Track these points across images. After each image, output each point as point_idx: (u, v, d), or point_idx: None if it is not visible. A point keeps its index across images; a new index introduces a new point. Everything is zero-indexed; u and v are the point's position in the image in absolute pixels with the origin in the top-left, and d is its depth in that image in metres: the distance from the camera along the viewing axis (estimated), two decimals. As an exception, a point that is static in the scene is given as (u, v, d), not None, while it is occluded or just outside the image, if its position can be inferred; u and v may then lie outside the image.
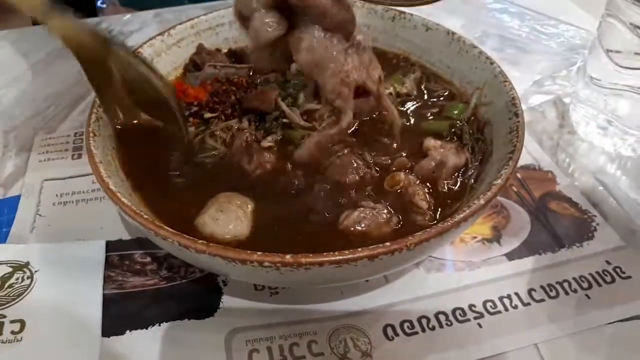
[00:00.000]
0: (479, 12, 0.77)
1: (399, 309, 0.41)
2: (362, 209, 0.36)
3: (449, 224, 0.31)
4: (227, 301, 0.41)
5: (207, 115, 0.44)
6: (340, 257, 0.30)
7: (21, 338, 0.35)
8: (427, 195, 0.38)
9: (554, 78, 0.65)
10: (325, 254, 0.30)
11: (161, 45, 0.50)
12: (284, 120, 0.42)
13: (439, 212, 0.38)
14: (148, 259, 0.44)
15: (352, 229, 0.36)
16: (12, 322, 0.36)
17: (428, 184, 0.39)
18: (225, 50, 0.52)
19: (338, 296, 0.41)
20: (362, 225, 0.35)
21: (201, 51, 0.51)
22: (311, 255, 0.30)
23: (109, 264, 0.42)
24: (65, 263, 0.41)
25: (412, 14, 0.53)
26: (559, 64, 0.67)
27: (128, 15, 0.78)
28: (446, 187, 0.39)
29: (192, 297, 0.41)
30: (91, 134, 0.39)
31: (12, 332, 0.36)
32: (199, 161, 0.42)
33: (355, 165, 0.38)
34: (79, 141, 0.57)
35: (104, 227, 0.47)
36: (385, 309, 0.41)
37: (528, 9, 0.78)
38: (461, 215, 0.32)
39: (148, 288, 0.41)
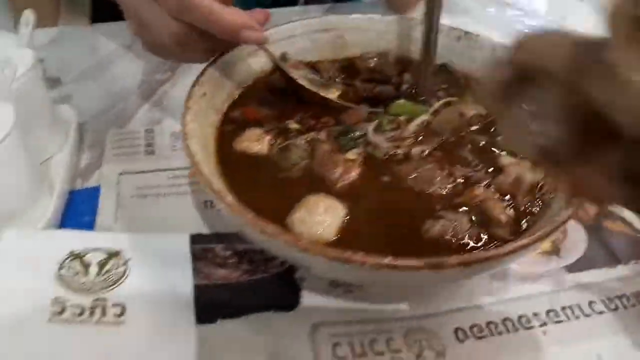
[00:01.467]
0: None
1: (467, 313, 0.43)
2: (444, 219, 0.38)
3: (536, 236, 0.34)
4: (306, 296, 0.43)
5: (294, 126, 0.46)
6: (438, 262, 0.32)
7: (124, 321, 0.38)
8: (506, 209, 0.40)
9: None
10: (421, 259, 0.32)
11: (242, 53, 0.52)
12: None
13: (518, 225, 0.40)
14: (229, 253, 0.46)
15: (436, 238, 0.38)
16: (113, 305, 0.39)
17: (506, 198, 0.41)
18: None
19: (409, 299, 0.44)
20: (445, 235, 0.38)
21: (284, 60, 0.54)
22: (410, 259, 0.32)
23: (194, 256, 0.45)
24: (155, 253, 0.43)
25: (478, 34, 0.55)
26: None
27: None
28: (524, 203, 0.41)
29: (274, 290, 0.43)
30: (188, 136, 0.41)
31: (115, 315, 0.38)
32: (284, 167, 0.44)
33: (438, 177, 0.41)
34: (149, 137, 0.59)
35: (183, 221, 0.49)
36: (454, 313, 0.43)
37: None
38: (546, 229, 0.34)
39: (234, 281, 0.44)
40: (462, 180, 0.42)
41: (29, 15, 0.53)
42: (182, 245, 0.45)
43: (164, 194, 0.52)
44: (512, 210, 0.41)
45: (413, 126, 0.46)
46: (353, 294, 0.44)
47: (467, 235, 0.38)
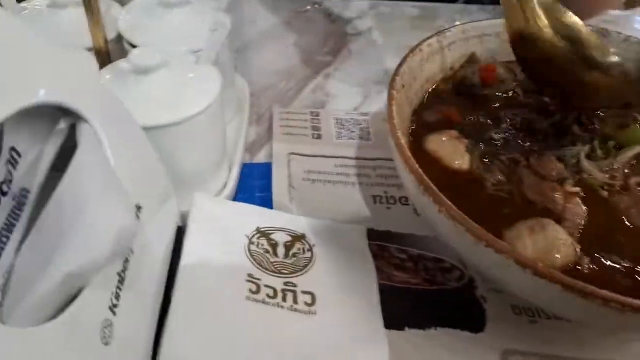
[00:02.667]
0: None
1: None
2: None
3: None
4: (492, 319, 0.40)
5: (498, 135, 0.43)
6: None
7: (315, 311, 0.36)
8: None
9: None
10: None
11: (436, 47, 0.50)
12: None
13: None
14: (404, 256, 0.44)
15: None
16: (303, 292, 0.37)
17: None
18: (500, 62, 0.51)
19: (598, 340, 0.40)
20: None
21: (474, 60, 0.51)
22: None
23: (370, 252, 0.43)
24: (336, 242, 0.42)
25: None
26: None
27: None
28: None
29: (457, 306, 0.41)
30: (397, 129, 0.39)
31: (306, 304, 0.36)
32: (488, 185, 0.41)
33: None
34: (316, 120, 0.58)
35: (353, 213, 0.47)
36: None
37: None
38: None
39: (414, 287, 0.41)
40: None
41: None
42: (361, 238, 0.43)
43: (332, 181, 0.51)
44: None
45: (628, 155, 0.41)
46: (537, 324, 0.40)
47: None
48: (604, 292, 0.30)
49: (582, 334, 0.40)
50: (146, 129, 0.36)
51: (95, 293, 0.23)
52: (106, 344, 0.24)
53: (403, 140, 0.38)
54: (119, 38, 0.47)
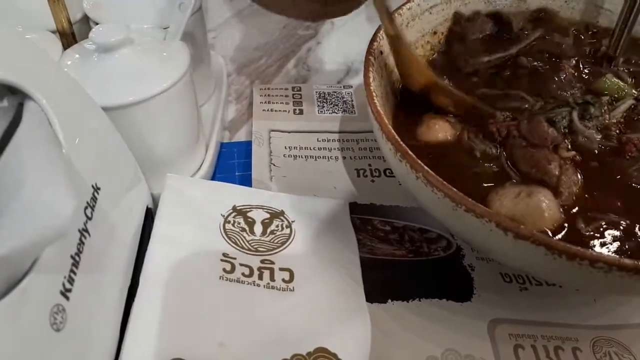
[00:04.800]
0: None
1: (661, 330, 0.38)
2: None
3: None
4: (480, 288, 0.39)
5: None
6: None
7: (293, 288, 0.35)
8: None
9: None
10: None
11: (417, 10, 0.48)
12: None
13: None
14: (388, 228, 0.43)
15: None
16: (281, 269, 0.36)
17: None
18: (485, 13, 0.49)
19: (592, 305, 0.39)
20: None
21: (459, 19, 0.48)
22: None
23: (353, 226, 0.41)
24: (317, 217, 0.40)
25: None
26: None
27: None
28: None
29: (443, 276, 0.39)
30: (374, 95, 0.37)
31: (284, 281, 0.35)
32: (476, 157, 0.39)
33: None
34: (297, 96, 0.56)
35: (336, 187, 0.46)
36: (645, 327, 0.38)
37: None
38: None
39: (398, 259, 0.40)
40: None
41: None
42: (342, 213, 0.41)
43: (315, 157, 0.49)
44: None
45: (620, 111, 0.40)
46: (527, 291, 0.39)
47: None
48: (590, 253, 0.28)
49: (574, 299, 0.39)
50: (109, 108, 0.34)
51: (42, 277, 0.22)
52: (58, 330, 0.23)
53: (380, 106, 0.37)
54: (86, 19, 0.46)
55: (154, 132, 0.39)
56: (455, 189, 0.31)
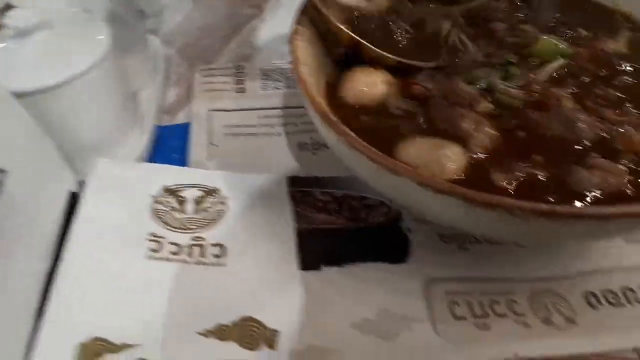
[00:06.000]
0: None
1: (599, 277, 0.38)
2: (598, 171, 0.33)
3: None
4: (417, 249, 0.39)
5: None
6: (604, 213, 0.27)
7: (225, 263, 0.35)
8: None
9: None
10: (590, 207, 0.27)
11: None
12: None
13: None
14: (328, 198, 0.42)
15: (587, 190, 0.32)
16: (212, 245, 0.36)
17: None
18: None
19: (531, 259, 0.39)
20: (601, 186, 0.32)
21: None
22: (571, 206, 0.27)
23: (292, 198, 0.41)
24: (253, 193, 0.40)
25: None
26: None
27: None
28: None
29: (380, 241, 0.39)
30: (301, 65, 0.37)
31: (215, 256, 0.35)
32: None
33: (586, 123, 0.35)
34: (240, 74, 0.56)
35: (278, 163, 0.46)
36: (585, 276, 0.38)
37: None
38: None
39: (337, 226, 0.40)
40: (614, 126, 0.35)
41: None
42: (280, 187, 0.41)
43: (256, 133, 0.49)
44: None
45: (549, 71, 0.39)
46: (468, 251, 0.39)
47: (624, 187, 0.32)
48: (507, 200, 0.28)
49: (513, 255, 0.39)
50: (20, 94, 0.34)
51: None
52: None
53: (306, 74, 0.36)
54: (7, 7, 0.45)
55: (77, 117, 0.38)
56: (370, 147, 0.30)
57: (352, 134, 0.32)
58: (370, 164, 0.31)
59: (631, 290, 0.37)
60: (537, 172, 0.33)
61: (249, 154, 0.47)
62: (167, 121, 0.51)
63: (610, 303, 0.37)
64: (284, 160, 0.46)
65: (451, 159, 0.32)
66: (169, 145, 0.48)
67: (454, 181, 0.32)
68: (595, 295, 0.37)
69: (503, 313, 0.35)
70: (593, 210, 0.27)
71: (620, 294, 0.37)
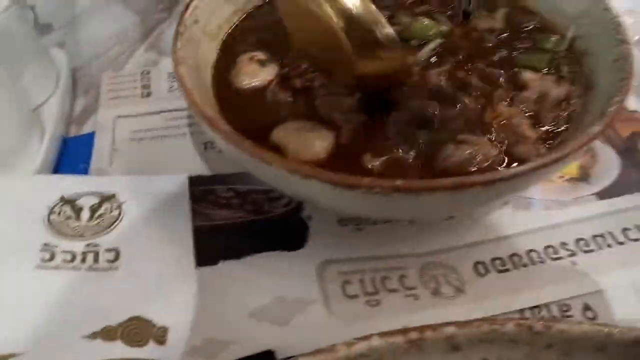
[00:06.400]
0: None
1: (488, 246, 0.40)
2: (465, 145, 0.34)
3: (571, 148, 0.30)
4: (314, 235, 0.40)
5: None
6: (457, 182, 0.29)
7: (117, 267, 0.35)
8: (532, 126, 0.36)
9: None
10: (437, 179, 0.29)
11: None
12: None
13: (547, 143, 0.36)
14: (231, 194, 0.43)
15: (457, 164, 0.34)
16: (106, 250, 0.36)
17: (531, 116, 0.37)
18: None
19: (423, 234, 0.40)
20: (469, 161, 0.34)
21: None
22: (422, 180, 0.29)
23: (193, 198, 0.42)
24: (151, 195, 0.41)
25: None
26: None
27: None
28: (549, 121, 0.37)
29: (279, 230, 0.41)
30: (179, 62, 0.38)
31: (109, 261, 0.36)
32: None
33: (452, 95, 0.37)
34: (146, 79, 0.56)
35: (182, 163, 0.46)
36: (474, 247, 0.40)
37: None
38: (581, 140, 0.30)
39: (236, 221, 0.41)
40: (482, 100, 0.38)
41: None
42: (180, 187, 0.42)
43: (161, 136, 0.49)
44: (539, 127, 0.37)
45: (427, 51, 0.41)
46: (363, 231, 0.41)
47: (492, 160, 0.34)
48: (365, 180, 0.29)
49: (405, 232, 0.40)
50: None
51: None
52: None
53: (184, 71, 0.37)
54: None
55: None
56: (240, 136, 0.32)
57: (228, 129, 0.33)
58: (246, 156, 0.32)
59: (518, 255, 0.39)
60: (405, 153, 0.35)
61: (154, 157, 0.47)
62: (74, 132, 0.51)
63: (497, 270, 0.39)
64: (189, 160, 0.47)
65: (318, 140, 0.34)
66: (75, 157, 0.48)
67: (326, 165, 0.34)
68: (484, 264, 0.39)
69: (394, 288, 0.37)
70: (444, 182, 0.29)
71: (507, 260, 0.39)
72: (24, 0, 0.64)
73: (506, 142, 0.36)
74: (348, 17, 0.34)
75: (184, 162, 0.47)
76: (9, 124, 0.42)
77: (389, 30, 0.34)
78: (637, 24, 0.54)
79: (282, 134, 0.35)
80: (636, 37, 0.52)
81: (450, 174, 0.34)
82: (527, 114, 0.37)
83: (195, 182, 0.44)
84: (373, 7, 0.34)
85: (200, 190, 0.43)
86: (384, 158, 0.34)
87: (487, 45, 0.42)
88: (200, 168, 0.46)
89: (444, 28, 0.43)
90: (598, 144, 0.47)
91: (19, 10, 0.48)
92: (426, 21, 0.43)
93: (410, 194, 0.29)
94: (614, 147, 0.47)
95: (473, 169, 0.35)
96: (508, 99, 0.38)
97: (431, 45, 0.42)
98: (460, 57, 0.41)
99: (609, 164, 0.46)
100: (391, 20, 0.44)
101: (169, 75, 0.56)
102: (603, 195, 0.43)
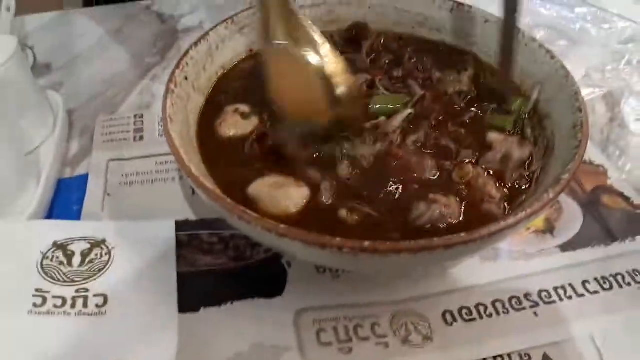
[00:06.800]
0: (528, 1, 0.77)
1: (456, 296, 0.42)
2: (435, 204, 0.37)
3: (525, 213, 0.33)
4: (293, 282, 0.42)
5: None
6: (420, 245, 0.31)
7: (105, 311, 0.37)
8: (497, 186, 0.39)
9: (604, 72, 0.65)
10: (402, 242, 0.32)
11: (225, 33, 0.51)
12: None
13: (511, 203, 0.39)
14: (215, 239, 0.46)
15: (427, 223, 0.37)
16: (95, 295, 0.38)
17: (496, 175, 0.40)
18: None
19: (396, 282, 0.43)
20: (438, 219, 0.37)
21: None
22: (388, 243, 0.32)
23: (179, 243, 0.44)
24: (140, 241, 0.43)
25: (470, 6, 0.53)
26: (608, 58, 0.67)
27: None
28: (513, 180, 0.40)
29: (260, 276, 0.43)
30: (169, 121, 0.40)
31: (97, 306, 0.38)
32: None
33: (425, 161, 0.40)
34: (139, 123, 0.59)
35: (170, 208, 0.49)
36: (443, 296, 0.42)
37: (579, -1, 0.78)
38: (536, 206, 0.33)
39: (218, 267, 0.43)
40: (448, 163, 0.41)
41: (10, 1, 0.52)
42: (167, 232, 0.44)
43: (151, 180, 0.52)
44: (503, 186, 0.40)
45: (397, 122, 0.44)
46: (340, 279, 0.43)
47: (458, 217, 0.37)
48: (335, 240, 0.32)
49: (379, 280, 0.43)
50: None
51: None
52: None
53: (173, 129, 0.40)
54: None
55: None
56: (220, 194, 0.34)
57: (211, 186, 0.36)
58: (226, 212, 0.35)
59: (483, 305, 0.42)
60: (376, 212, 0.37)
61: (144, 201, 0.49)
62: (69, 173, 0.54)
63: (464, 320, 0.41)
64: (176, 205, 0.49)
65: (288, 199, 0.37)
66: (69, 198, 0.50)
67: (303, 220, 0.36)
68: (452, 313, 0.41)
69: (366, 336, 0.39)
70: (409, 245, 0.31)
71: (474, 310, 0.42)
72: (24, 41, 0.67)
73: (473, 200, 0.39)
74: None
75: (173, 205, 0.49)
76: (7, 169, 0.44)
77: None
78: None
79: (257, 189, 0.38)
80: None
81: (422, 230, 0.37)
82: (492, 174, 0.40)
83: (181, 227, 0.46)
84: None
85: (186, 236, 0.46)
86: (357, 217, 0.37)
87: (456, 108, 0.45)
88: (187, 212, 0.49)
89: (407, 99, 0.46)
90: (563, 197, 0.50)
91: (20, 56, 0.50)
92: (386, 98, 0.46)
93: (378, 255, 0.32)
94: (577, 201, 0.50)
95: (442, 226, 0.38)
96: (474, 160, 0.41)
97: (400, 118, 0.44)
98: (432, 122, 0.44)
99: (572, 217, 0.49)
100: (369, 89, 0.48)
101: (161, 120, 0.59)
102: (566, 247, 0.46)
